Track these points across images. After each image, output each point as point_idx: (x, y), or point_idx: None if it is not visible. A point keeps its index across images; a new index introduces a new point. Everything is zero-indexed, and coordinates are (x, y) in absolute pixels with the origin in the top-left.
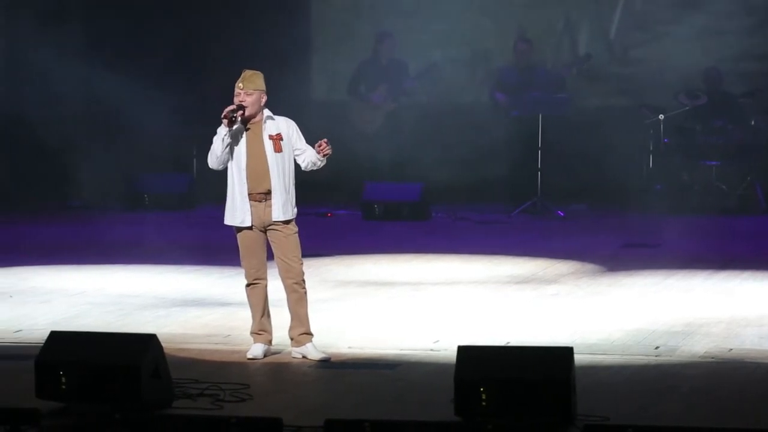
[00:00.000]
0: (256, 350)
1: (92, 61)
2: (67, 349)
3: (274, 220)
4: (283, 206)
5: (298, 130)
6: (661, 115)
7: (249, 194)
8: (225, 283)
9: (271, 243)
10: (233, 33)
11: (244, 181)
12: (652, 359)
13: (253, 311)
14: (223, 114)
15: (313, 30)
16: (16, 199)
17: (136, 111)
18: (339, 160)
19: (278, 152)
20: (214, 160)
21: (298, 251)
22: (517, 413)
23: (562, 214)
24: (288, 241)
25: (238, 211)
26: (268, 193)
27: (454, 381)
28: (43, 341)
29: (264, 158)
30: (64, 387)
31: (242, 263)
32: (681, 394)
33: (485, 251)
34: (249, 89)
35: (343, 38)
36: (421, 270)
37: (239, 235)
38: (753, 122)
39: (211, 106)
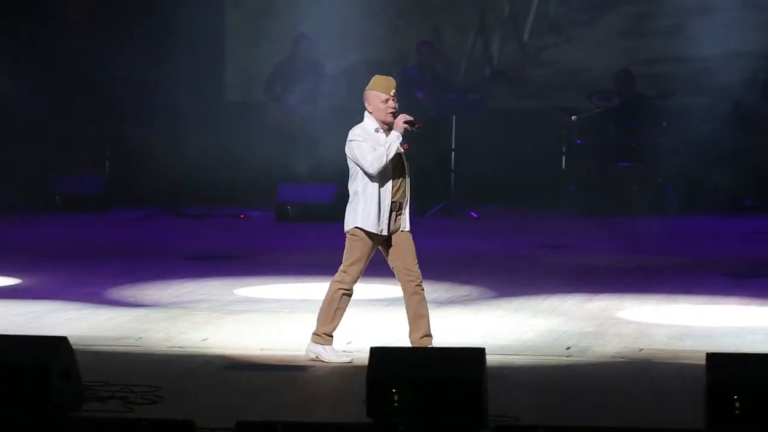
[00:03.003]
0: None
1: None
2: None
3: (403, 229)
4: (409, 214)
5: None
6: (573, 116)
7: (392, 202)
8: (138, 285)
9: (392, 248)
10: (146, 34)
11: (390, 189)
12: (563, 359)
13: (336, 315)
14: (405, 121)
15: (227, 32)
16: None
17: (48, 111)
18: (254, 162)
19: (408, 161)
20: (382, 164)
21: (416, 255)
22: (429, 414)
23: (475, 215)
24: (411, 244)
25: (381, 219)
26: (404, 201)
27: (367, 382)
28: None
29: (402, 166)
30: None
31: (352, 267)
32: (592, 394)
33: None
34: (396, 97)
35: (257, 41)
36: (331, 272)
37: (362, 242)
38: (665, 123)
39: (125, 108)
